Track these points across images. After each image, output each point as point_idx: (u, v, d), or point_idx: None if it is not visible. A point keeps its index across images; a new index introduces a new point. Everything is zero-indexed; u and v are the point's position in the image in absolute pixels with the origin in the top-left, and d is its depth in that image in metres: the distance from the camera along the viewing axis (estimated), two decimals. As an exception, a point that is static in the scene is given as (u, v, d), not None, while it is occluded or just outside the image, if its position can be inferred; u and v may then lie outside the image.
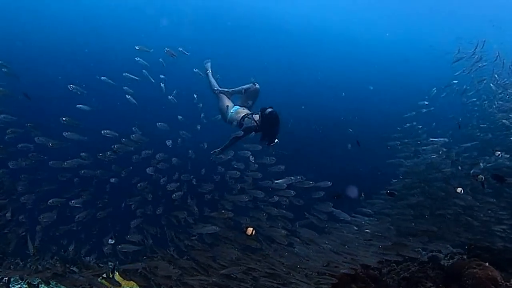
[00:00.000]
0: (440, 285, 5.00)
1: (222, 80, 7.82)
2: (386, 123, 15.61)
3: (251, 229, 4.77)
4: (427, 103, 11.23)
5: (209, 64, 7.92)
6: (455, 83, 10.78)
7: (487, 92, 9.85)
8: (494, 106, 8.79)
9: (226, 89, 7.48)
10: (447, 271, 5.18)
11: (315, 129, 16.04)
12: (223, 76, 7.94)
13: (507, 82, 9.48)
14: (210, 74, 7.80)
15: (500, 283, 4.58)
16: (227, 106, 7.18)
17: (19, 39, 17.20)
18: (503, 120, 7.73)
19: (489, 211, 6.16)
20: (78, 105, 5.14)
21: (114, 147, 5.03)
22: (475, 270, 4.74)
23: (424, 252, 6.11)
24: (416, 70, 21.20)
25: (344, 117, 16.11)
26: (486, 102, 9.44)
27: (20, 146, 4.99)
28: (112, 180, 5.32)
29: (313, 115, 16.89)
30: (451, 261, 5.44)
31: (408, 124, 10.05)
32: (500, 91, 9.26)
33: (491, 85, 9.35)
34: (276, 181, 5.57)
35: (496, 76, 9.60)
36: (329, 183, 5.39)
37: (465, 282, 4.74)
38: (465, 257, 5.52)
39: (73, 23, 19.04)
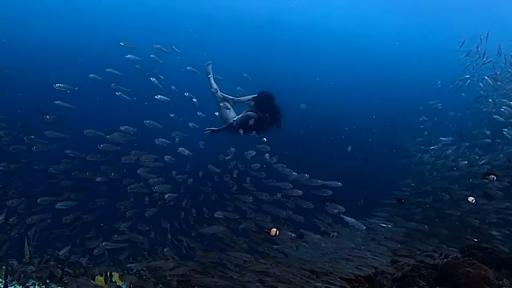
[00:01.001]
0: (433, 284, 4.98)
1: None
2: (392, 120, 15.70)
3: (275, 229, 4.68)
4: (439, 104, 11.31)
5: (210, 67, 7.63)
6: (467, 77, 10.75)
7: (487, 89, 9.79)
8: (490, 101, 8.73)
9: (231, 97, 7.28)
10: (440, 270, 5.15)
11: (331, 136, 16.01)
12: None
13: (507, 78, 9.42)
14: (212, 79, 7.52)
15: (493, 282, 4.56)
16: (230, 114, 7.10)
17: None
18: (494, 116, 7.69)
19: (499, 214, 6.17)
20: (56, 102, 5.10)
21: (100, 146, 5.03)
22: (467, 269, 4.72)
23: (418, 252, 6.07)
24: (418, 69, 21.17)
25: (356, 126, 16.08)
26: (488, 99, 9.40)
27: (11, 148, 5.02)
28: (98, 179, 5.27)
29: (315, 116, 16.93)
30: (444, 260, 5.39)
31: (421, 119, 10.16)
32: (501, 88, 9.21)
33: (486, 78, 9.27)
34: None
35: (495, 72, 9.53)
36: (339, 183, 5.21)
37: (458, 281, 4.72)
38: (459, 256, 5.47)
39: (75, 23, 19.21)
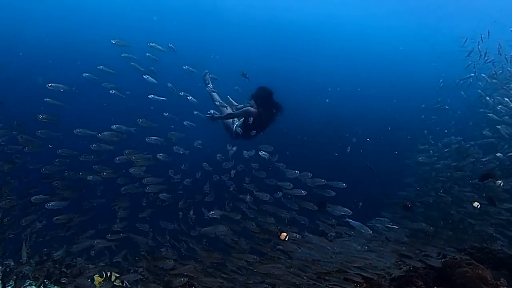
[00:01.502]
0: (431, 284, 4.94)
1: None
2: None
3: (285, 234, 4.65)
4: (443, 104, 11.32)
5: (208, 76, 7.44)
6: (471, 75, 10.71)
7: (486, 88, 9.76)
8: (488, 99, 8.71)
9: (236, 103, 7.16)
10: (438, 270, 5.10)
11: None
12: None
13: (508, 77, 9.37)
14: (211, 87, 7.36)
15: (490, 281, 4.52)
16: (231, 120, 7.04)
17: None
18: (489, 114, 7.68)
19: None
20: (46, 99, 5.09)
21: (92, 146, 5.02)
22: (465, 269, 4.67)
23: (417, 251, 6.04)
24: (418, 69, 21.13)
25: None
26: (486, 97, 9.37)
27: (6, 148, 5.00)
28: (90, 177, 5.23)
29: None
30: (442, 260, 5.35)
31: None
32: (500, 87, 9.17)
33: (484, 76, 9.25)
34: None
35: (495, 71, 9.48)
36: (343, 184, 5.12)
37: (455, 281, 4.68)
38: (457, 256, 5.44)
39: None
